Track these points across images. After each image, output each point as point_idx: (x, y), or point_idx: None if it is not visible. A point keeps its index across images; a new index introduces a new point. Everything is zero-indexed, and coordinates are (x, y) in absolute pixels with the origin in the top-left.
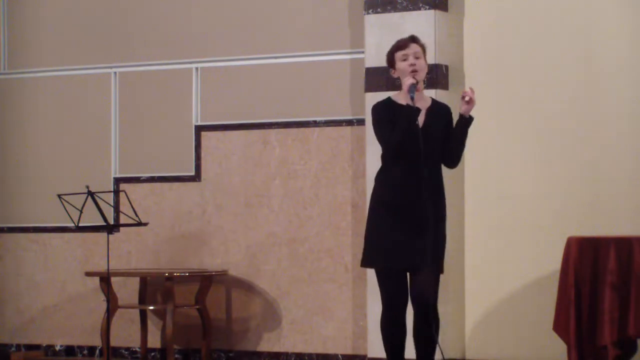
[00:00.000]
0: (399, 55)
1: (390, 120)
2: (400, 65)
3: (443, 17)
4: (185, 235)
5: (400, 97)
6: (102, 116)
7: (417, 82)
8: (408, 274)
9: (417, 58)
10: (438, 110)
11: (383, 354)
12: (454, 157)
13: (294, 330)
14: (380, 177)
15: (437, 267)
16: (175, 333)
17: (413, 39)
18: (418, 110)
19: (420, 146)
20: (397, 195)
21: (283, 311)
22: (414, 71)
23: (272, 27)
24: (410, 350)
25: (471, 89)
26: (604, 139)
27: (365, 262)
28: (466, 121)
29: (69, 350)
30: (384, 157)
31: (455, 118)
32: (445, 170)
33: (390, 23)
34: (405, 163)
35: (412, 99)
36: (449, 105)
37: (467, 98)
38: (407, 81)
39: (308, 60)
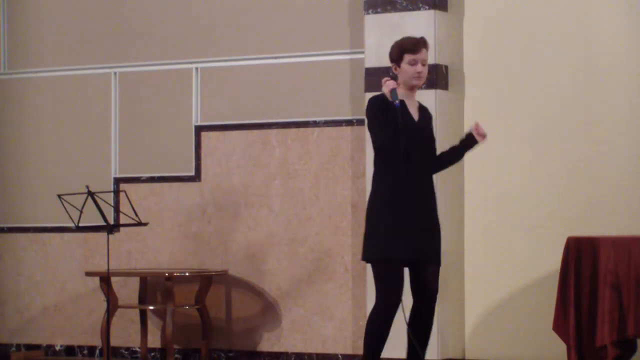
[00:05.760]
0: (407, 57)
1: (385, 117)
2: (406, 67)
3: (443, 17)
4: (185, 235)
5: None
6: (102, 116)
7: (397, 87)
8: (407, 269)
9: (423, 65)
10: (427, 112)
11: (383, 354)
12: (439, 168)
13: (294, 330)
14: (380, 174)
15: (439, 259)
16: (175, 333)
17: (425, 44)
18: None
19: (413, 139)
20: (398, 191)
21: (283, 311)
22: (418, 78)
23: (272, 27)
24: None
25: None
26: (603, 139)
27: (381, 255)
28: (474, 143)
29: (69, 350)
30: (381, 154)
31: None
32: (445, 170)
33: (390, 23)
34: (404, 158)
35: (396, 105)
36: (447, 105)
37: (481, 139)
38: (388, 87)
39: (308, 60)
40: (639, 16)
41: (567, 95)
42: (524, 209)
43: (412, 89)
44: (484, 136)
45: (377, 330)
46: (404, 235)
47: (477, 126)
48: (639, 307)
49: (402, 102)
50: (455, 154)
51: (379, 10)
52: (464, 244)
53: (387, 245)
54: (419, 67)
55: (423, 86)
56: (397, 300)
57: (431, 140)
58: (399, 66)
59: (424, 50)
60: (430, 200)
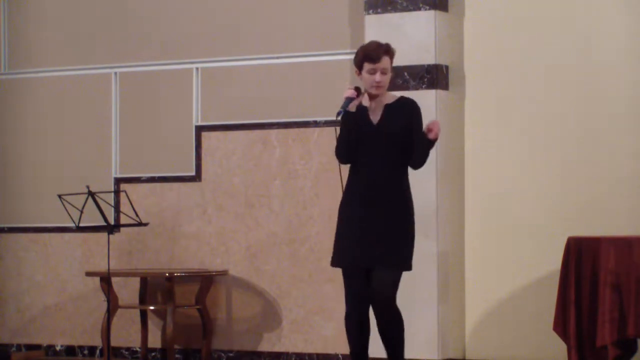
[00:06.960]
0: (367, 66)
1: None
2: (365, 76)
3: (443, 17)
4: (185, 235)
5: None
6: (102, 116)
7: (355, 97)
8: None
9: (383, 74)
10: (399, 106)
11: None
12: (416, 162)
13: (294, 330)
14: (347, 181)
15: (395, 264)
16: (176, 333)
17: (386, 51)
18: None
19: (371, 145)
20: (350, 196)
21: (283, 311)
22: (377, 87)
23: (272, 27)
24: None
25: (437, 125)
26: (603, 139)
27: (332, 262)
28: (428, 142)
29: (70, 350)
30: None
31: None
32: (445, 170)
33: (390, 23)
34: (361, 163)
35: (339, 113)
36: (447, 105)
37: (431, 135)
38: (345, 94)
39: (308, 60)
40: (639, 16)
41: (567, 95)
42: (524, 209)
43: (372, 96)
44: (434, 134)
45: (347, 331)
46: (345, 241)
47: (431, 127)
48: (639, 307)
49: (364, 108)
50: (418, 150)
51: (379, 10)
52: (464, 244)
53: (335, 250)
54: (377, 77)
55: (423, 86)
56: (351, 301)
57: (395, 141)
58: (361, 72)
59: (385, 58)
60: (387, 204)
